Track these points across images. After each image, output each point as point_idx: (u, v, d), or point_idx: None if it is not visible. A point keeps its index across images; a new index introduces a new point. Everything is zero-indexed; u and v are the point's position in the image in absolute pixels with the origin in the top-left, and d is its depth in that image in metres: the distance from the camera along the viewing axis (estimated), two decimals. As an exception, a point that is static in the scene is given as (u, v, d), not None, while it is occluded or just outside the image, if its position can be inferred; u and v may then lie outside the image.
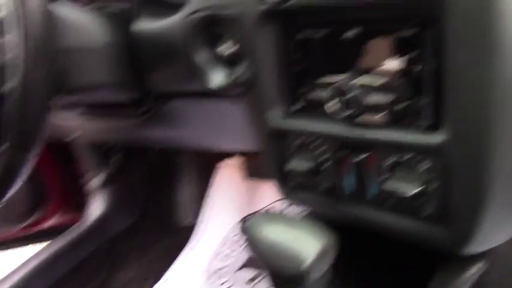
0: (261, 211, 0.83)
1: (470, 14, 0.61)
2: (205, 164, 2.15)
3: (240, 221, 0.86)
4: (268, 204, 2.01)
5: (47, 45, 0.81)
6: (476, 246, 0.72)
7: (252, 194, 2.06)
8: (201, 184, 2.17)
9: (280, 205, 1.97)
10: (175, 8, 0.99)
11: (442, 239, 0.74)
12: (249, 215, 0.86)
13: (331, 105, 0.78)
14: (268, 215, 0.77)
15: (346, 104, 0.76)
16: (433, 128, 0.71)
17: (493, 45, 0.60)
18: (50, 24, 0.82)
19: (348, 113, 0.76)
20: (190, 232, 2.09)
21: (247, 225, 0.76)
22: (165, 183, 2.17)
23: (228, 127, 1.14)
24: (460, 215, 0.70)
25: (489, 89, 0.62)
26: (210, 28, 0.93)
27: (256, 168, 1.97)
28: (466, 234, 0.71)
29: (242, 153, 2.03)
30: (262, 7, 0.82)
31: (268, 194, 2.03)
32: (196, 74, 0.97)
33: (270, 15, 0.83)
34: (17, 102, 0.79)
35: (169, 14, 0.99)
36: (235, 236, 2.00)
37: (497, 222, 0.71)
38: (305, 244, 0.69)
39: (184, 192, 2.16)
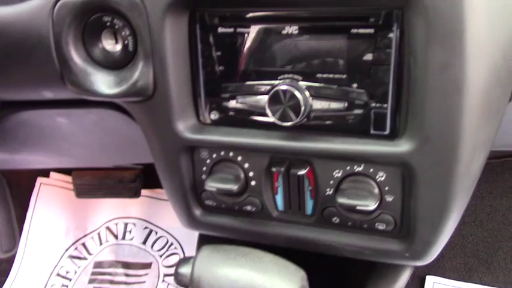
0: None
1: (441, 12, 0.56)
2: (17, 183, 1.78)
3: (177, 264, 0.68)
4: (103, 224, 1.77)
5: None
6: (432, 256, 0.70)
7: (83, 215, 1.78)
8: (14, 206, 1.79)
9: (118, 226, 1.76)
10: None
11: (400, 252, 0.69)
12: (184, 259, 0.68)
13: (268, 113, 0.66)
14: (215, 251, 0.62)
15: (289, 112, 0.65)
16: (390, 136, 0.65)
17: (465, 47, 0.57)
18: None
19: (289, 122, 0.66)
20: (6, 266, 1.72)
21: (194, 269, 0.60)
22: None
23: (99, 142, 0.93)
24: (423, 226, 0.67)
25: (460, 93, 0.58)
26: (92, 17, 0.71)
27: (85, 186, 1.69)
28: (428, 245, 0.68)
29: (65, 170, 1.73)
30: (176, -7, 0.65)
31: (101, 213, 1.79)
32: (67, 77, 0.74)
33: (185, 3, 0.67)
34: None
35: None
36: (63, 267, 1.71)
37: (450, 230, 0.69)
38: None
39: (-8, 217, 1.76)
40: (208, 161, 0.76)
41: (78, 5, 0.70)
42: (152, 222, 1.76)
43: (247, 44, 0.67)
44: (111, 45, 0.73)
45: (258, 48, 0.67)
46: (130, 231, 1.76)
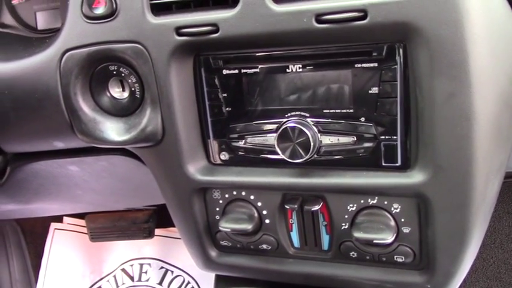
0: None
1: (443, 43, 0.56)
2: (31, 229, 1.78)
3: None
4: (118, 266, 1.76)
5: None
6: (455, 286, 0.68)
7: (98, 258, 1.77)
8: (29, 253, 1.79)
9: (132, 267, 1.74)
10: (38, 44, 0.75)
11: (422, 284, 0.68)
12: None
13: (278, 151, 0.66)
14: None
15: (298, 149, 0.65)
16: (402, 168, 0.65)
17: (469, 76, 0.56)
18: None
19: (300, 159, 0.66)
20: (23, 315, 1.70)
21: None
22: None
23: (111, 187, 0.93)
24: (443, 256, 0.65)
25: (469, 121, 0.58)
26: (99, 67, 0.72)
27: (99, 230, 1.68)
28: (449, 275, 0.66)
29: (78, 214, 1.73)
30: (180, 39, 0.66)
31: (116, 256, 1.77)
32: (77, 127, 0.75)
33: (189, 49, 0.68)
34: None
35: (30, 53, 0.75)
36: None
37: (471, 258, 0.68)
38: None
39: (7, 267, 1.75)
40: (221, 201, 0.76)
41: (85, 57, 0.71)
42: (168, 261, 1.74)
43: (253, 84, 0.68)
44: (118, 93, 0.74)
45: (263, 88, 0.68)
46: (146, 272, 1.74)
